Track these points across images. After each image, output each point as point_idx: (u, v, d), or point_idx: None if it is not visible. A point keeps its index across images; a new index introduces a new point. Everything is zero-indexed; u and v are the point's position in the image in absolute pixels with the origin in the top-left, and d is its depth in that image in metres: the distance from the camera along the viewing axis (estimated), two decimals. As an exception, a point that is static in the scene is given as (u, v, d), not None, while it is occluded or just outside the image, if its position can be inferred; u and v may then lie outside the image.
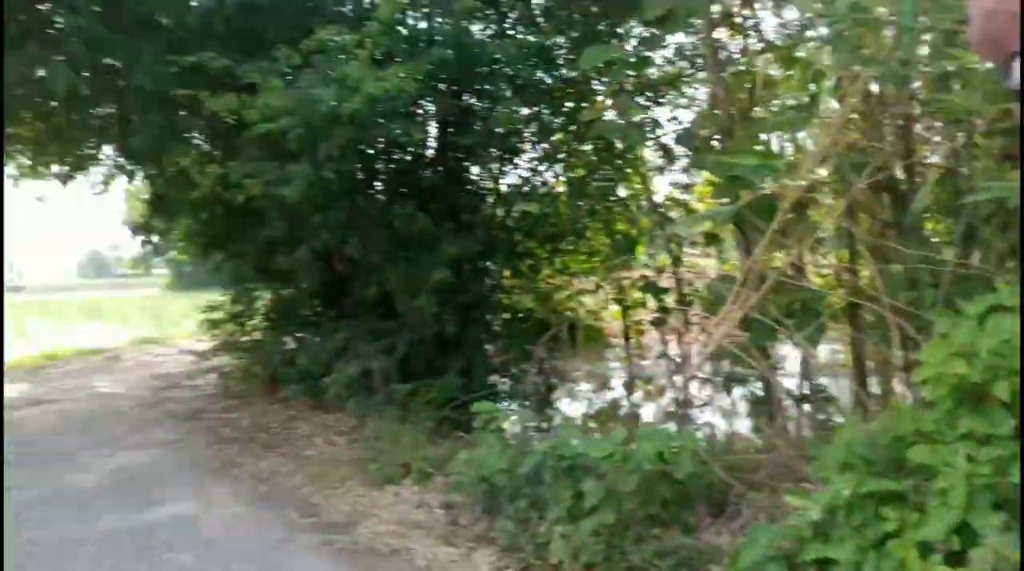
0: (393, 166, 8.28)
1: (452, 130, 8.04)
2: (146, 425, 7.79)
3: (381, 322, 7.78)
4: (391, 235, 7.54)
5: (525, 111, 8.05)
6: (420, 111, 7.82)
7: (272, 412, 7.72)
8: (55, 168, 9.20)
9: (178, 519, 4.83)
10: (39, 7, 6.57)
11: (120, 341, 16.59)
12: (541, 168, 8.86)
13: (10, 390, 10.47)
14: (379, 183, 8.39)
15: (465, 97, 7.92)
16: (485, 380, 7.82)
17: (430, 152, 8.30)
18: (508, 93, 7.72)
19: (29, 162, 9.51)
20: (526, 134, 8.41)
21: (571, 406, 9.32)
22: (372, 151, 7.67)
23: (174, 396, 9.41)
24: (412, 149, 8.04)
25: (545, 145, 8.68)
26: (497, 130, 7.55)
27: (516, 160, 8.70)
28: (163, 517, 4.88)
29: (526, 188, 8.76)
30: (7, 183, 9.57)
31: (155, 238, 10.73)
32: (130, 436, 7.29)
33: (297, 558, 4.12)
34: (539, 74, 7.94)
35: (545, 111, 8.23)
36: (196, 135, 8.27)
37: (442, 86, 7.49)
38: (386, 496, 4.98)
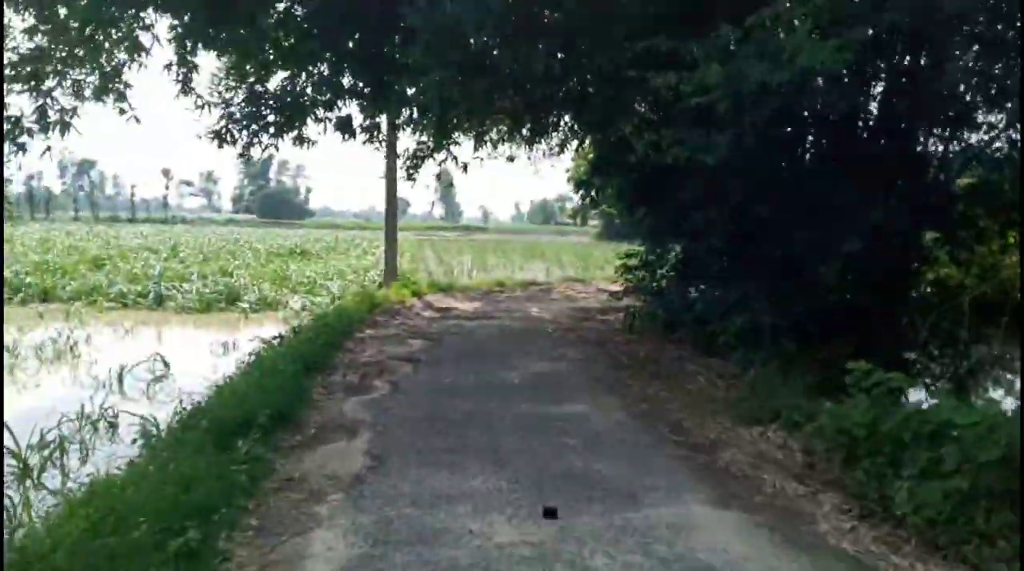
0: (824, 132, 8.11)
1: (894, 93, 7.57)
2: (562, 344, 9.17)
3: (781, 282, 7.83)
4: (807, 200, 7.50)
5: (981, 70, 7.17)
6: (859, 76, 7.52)
7: (666, 350, 8.44)
8: (525, 133, 11.17)
9: (574, 415, 5.81)
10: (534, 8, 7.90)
11: (553, 278, 19.19)
12: (993, 133, 7.79)
13: (468, 307, 13.10)
14: (806, 148, 8.31)
15: (911, 57, 7.37)
16: (895, 353, 7.37)
17: (869, 116, 7.93)
18: (961, 51, 6.98)
19: (506, 128, 11.66)
20: (979, 97, 7.49)
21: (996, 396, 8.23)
22: (803, 117, 7.64)
23: (587, 325, 10.78)
24: (846, 114, 7.79)
25: (1001, 107, 7.61)
26: (947, 92, 6.91)
27: (967, 124, 7.80)
28: (563, 411, 5.91)
29: (977, 154, 7.80)
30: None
31: (592, 193, 12.16)
32: (549, 350, 8.69)
33: (661, 460, 4.72)
34: (1001, 26, 6.98)
35: (1000, 69, 7.22)
36: (638, 106, 9.18)
37: (887, 48, 7.10)
38: (751, 434, 5.29)
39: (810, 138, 8.16)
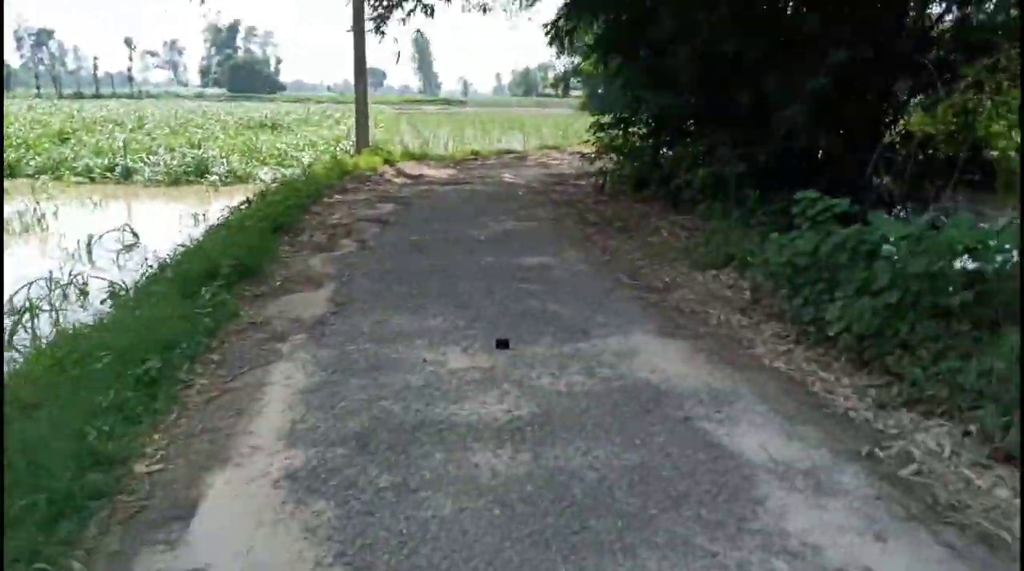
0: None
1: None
2: (532, 206, 9.21)
3: (750, 130, 7.77)
4: (775, 36, 7.30)
5: None
6: None
7: (633, 209, 8.51)
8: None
9: (536, 265, 5.94)
10: None
11: (530, 147, 18.95)
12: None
13: (441, 174, 13.00)
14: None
15: None
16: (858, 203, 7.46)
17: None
18: None
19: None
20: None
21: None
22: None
23: (558, 189, 10.78)
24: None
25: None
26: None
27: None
28: (527, 262, 6.03)
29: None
30: None
31: (565, 39, 11.67)
32: (517, 211, 8.74)
33: (615, 302, 4.89)
34: None
35: None
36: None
37: None
38: (704, 277, 5.46)
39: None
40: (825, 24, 6.86)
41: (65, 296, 6.03)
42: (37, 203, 10.57)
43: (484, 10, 14.45)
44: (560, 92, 39.00)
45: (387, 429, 2.95)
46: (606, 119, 10.51)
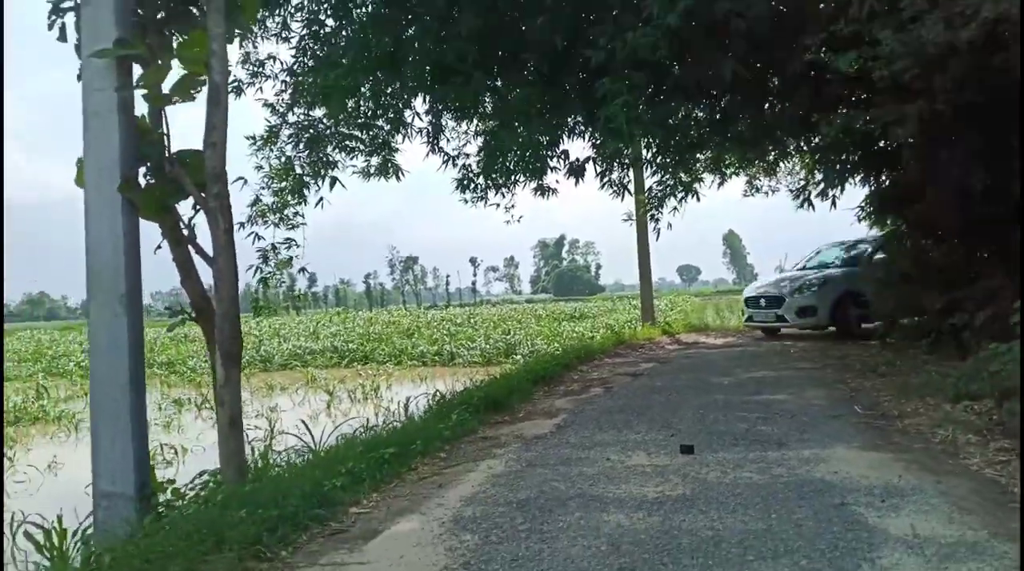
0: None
1: None
2: (796, 359, 9.01)
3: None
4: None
5: None
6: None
7: (910, 357, 7.91)
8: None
9: (767, 400, 5.93)
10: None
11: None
12: None
13: (717, 341, 13.17)
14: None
15: None
16: None
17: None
18: None
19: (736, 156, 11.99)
20: None
21: None
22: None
23: (840, 347, 10.32)
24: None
25: None
26: None
27: None
28: (757, 399, 6.05)
29: None
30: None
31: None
32: (777, 364, 8.63)
33: (832, 425, 4.76)
34: None
35: None
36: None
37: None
38: (955, 408, 4.98)
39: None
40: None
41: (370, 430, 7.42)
42: (375, 380, 13.00)
43: (770, 192, 14.98)
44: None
45: (546, 498, 3.37)
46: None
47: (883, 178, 9.96)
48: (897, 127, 6.70)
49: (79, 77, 4.20)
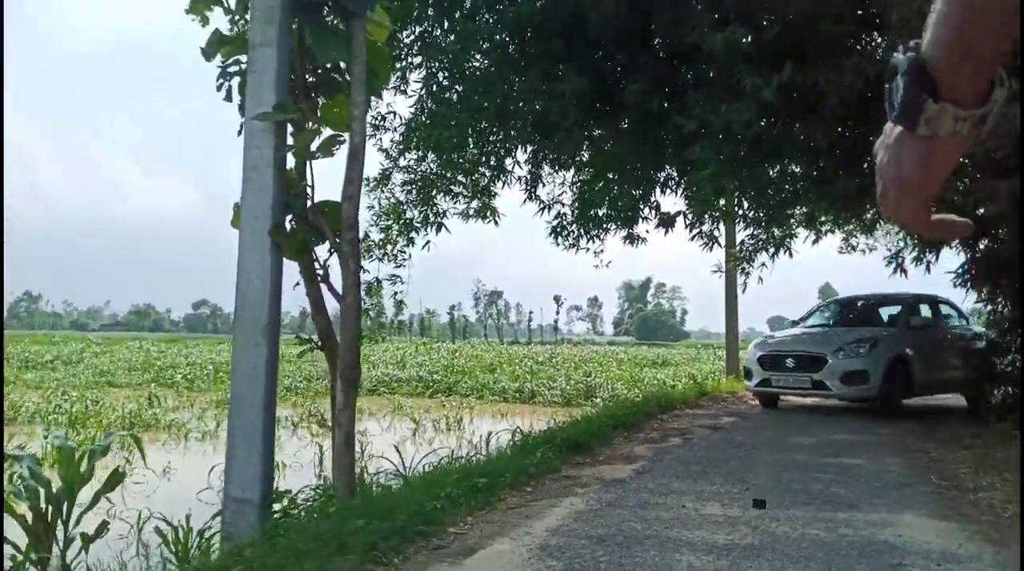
0: None
1: None
2: (882, 424, 8.98)
3: None
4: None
5: None
6: None
7: (992, 432, 7.82)
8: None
9: (844, 464, 6.07)
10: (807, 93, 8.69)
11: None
12: None
13: (804, 400, 13.08)
14: None
15: None
16: None
17: None
18: None
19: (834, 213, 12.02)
20: None
21: None
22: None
23: (928, 406, 10.19)
24: None
25: None
26: None
27: None
28: (834, 461, 6.19)
29: None
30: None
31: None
32: (863, 425, 8.63)
33: (905, 491, 4.90)
34: None
35: None
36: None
37: None
38: (1032, 484, 5.04)
39: None
40: None
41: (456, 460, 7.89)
42: (456, 412, 13.56)
43: (867, 250, 14.87)
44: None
45: (624, 536, 3.72)
46: (978, 345, 9.96)
47: (979, 247, 9.88)
48: (989, 202, 6.81)
49: (239, 133, 4.93)
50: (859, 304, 12.03)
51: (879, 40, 7.75)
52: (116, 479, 4.53)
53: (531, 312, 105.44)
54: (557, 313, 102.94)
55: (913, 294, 11.23)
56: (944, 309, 11.29)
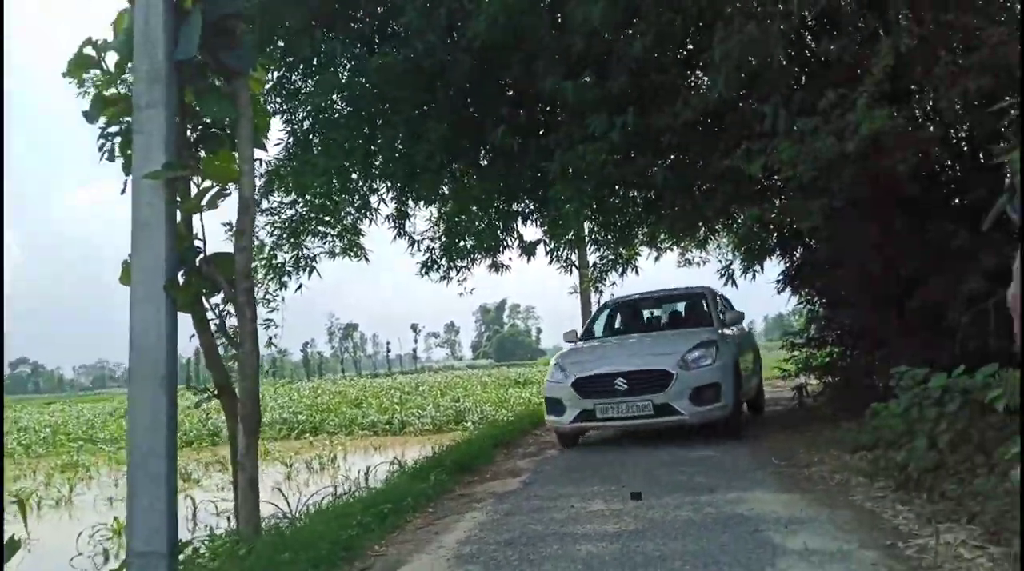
0: (925, 183, 8.70)
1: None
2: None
3: (923, 333, 8.25)
4: (930, 249, 8.08)
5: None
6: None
7: (823, 418, 9.03)
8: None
9: (700, 456, 6.87)
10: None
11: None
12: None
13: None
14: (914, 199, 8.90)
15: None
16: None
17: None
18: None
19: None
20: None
21: None
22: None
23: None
24: (947, 164, 8.39)
25: None
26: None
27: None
28: (692, 455, 6.98)
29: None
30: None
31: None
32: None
33: (755, 474, 5.75)
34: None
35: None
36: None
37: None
38: (852, 458, 6.01)
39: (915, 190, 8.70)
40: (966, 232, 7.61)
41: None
42: (330, 451, 13.55)
43: (702, 263, 16.46)
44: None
45: (528, 536, 4.20)
46: (797, 340, 11.34)
47: (796, 256, 11.29)
48: (802, 220, 7.95)
49: (123, 190, 4.99)
50: (642, 304, 10.56)
51: (703, 78, 8.88)
52: (12, 548, 4.42)
53: (388, 342, 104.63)
54: (415, 341, 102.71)
55: (696, 287, 10.42)
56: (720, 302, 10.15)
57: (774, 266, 11.73)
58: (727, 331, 8.95)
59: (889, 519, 3.99)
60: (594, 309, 16.13)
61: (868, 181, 8.19)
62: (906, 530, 3.74)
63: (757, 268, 11.85)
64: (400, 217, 10.58)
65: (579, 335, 9.69)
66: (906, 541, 3.53)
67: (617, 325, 10.00)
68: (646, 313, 10.60)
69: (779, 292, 12.14)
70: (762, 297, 12.97)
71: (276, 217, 10.32)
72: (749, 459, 6.57)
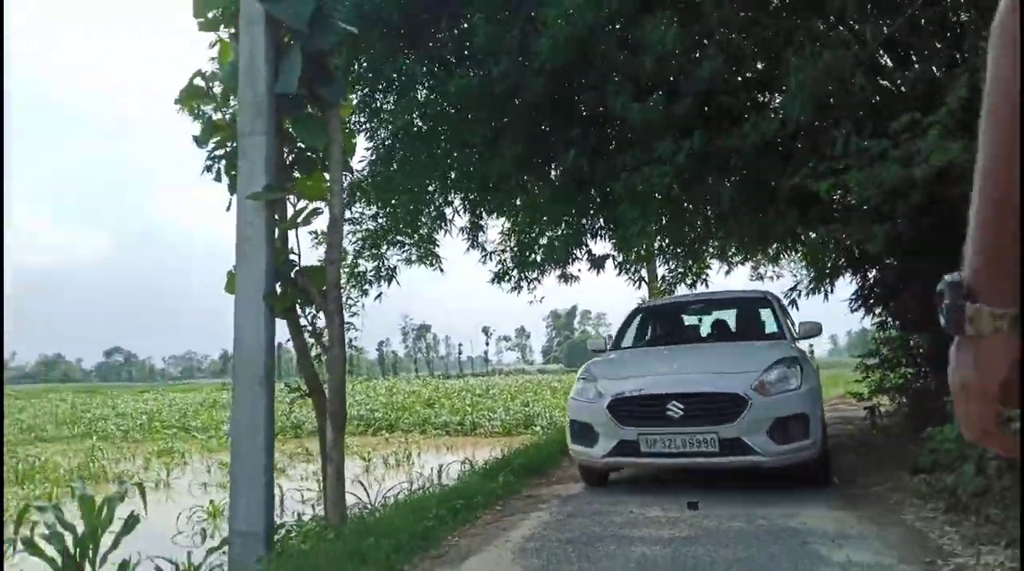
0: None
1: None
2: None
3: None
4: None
5: None
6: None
7: (894, 440, 9.02)
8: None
9: (763, 472, 7.02)
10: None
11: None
12: None
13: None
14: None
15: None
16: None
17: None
18: None
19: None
20: None
21: None
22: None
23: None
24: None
25: None
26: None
27: None
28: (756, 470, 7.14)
29: None
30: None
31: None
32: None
33: (812, 489, 5.88)
34: None
35: None
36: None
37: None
38: (915, 479, 6.08)
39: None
40: None
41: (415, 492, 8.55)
42: (406, 448, 14.14)
43: (775, 277, 16.41)
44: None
45: (588, 536, 4.53)
46: (871, 361, 11.24)
47: (868, 276, 11.22)
48: (867, 243, 8.00)
49: (228, 208, 5.58)
50: (688, 308, 8.98)
51: (775, 98, 8.99)
52: (132, 523, 5.04)
53: (460, 344, 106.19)
54: (487, 344, 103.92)
55: (755, 291, 9.31)
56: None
57: (847, 285, 11.64)
58: (802, 345, 7.30)
59: (935, 539, 4.15)
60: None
61: (934, 208, 8.20)
62: (949, 550, 3.90)
63: (828, 287, 11.83)
64: (474, 229, 11.04)
65: (607, 345, 7.94)
66: (946, 560, 3.70)
67: (657, 333, 8.13)
68: (691, 320, 8.93)
69: (852, 311, 12.06)
70: (837, 313, 12.88)
71: (358, 226, 10.95)
72: (805, 475, 6.69)
